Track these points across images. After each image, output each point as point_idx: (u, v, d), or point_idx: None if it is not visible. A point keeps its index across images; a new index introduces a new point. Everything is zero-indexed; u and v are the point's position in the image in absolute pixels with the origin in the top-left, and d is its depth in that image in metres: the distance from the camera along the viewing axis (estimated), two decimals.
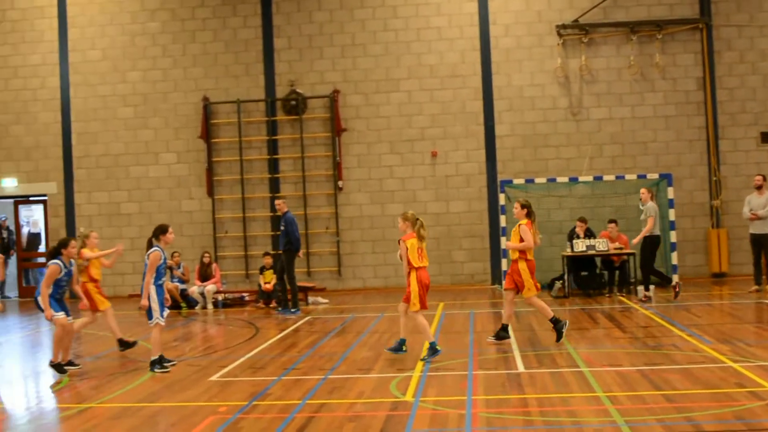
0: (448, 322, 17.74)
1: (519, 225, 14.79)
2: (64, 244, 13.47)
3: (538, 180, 23.87)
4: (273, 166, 26.13)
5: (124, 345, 15.27)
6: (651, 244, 20.33)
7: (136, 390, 11.97)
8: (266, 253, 23.56)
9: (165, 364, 13.45)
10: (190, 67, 26.54)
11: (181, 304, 22.43)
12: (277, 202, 21.60)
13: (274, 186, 26.06)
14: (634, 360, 12.72)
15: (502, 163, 25.33)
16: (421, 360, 13.07)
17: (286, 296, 20.80)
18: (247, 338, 16.59)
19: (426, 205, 25.30)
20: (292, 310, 20.57)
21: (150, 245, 13.57)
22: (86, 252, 15.27)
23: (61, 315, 13.19)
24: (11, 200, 28.69)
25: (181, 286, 22.82)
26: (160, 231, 13.70)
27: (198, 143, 26.33)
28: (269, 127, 26.15)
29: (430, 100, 25.63)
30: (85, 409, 10.87)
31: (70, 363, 13.59)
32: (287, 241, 20.55)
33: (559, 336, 14.42)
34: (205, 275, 23.11)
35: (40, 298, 13.21)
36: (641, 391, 10.53)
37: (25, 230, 29.24)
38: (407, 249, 13.30)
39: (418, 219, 13.46)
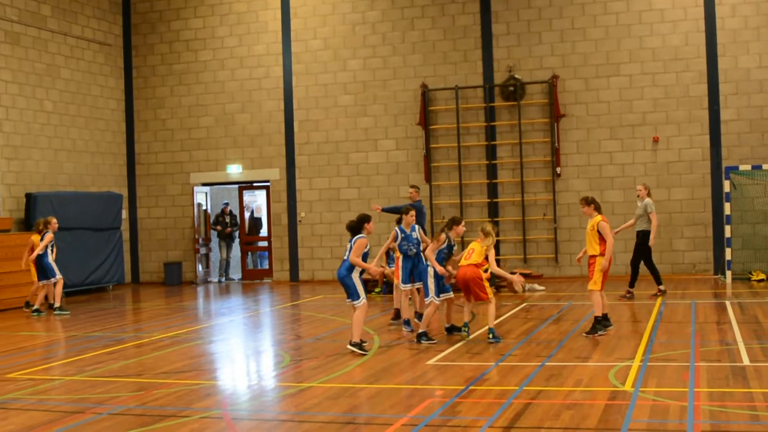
0: (669, 311, 17.26)
1: (597, 223, 14.38)
2: (366, 219, 13.80)
3: (766, 166, 22.91)
4: (490, 152, 26.06)
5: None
6: (645, 238, 19.72)
7: (356, 371, 12.16)
8: None
9: (431, 338, 14.47)
10: (409, 54, 26.76)
11: None
12: (410, 190, 21.51)
13: (492, 172, 25.99)
14: None
15: (727, 148, 24.42)
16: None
17: None
18: (463, 323, 16.55)
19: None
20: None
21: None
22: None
23: (364, 300, 13.51)
24: (236, 186, 29.72)
25: None
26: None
27: (416, 130, 26.54)
28: (487, 113, 26.10)
29: (651, 84, 24.96)
30: (306, 388, 11.10)
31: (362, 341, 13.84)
32: None
33: (592, 331, 14.33)
34: None
35: (354, 276, 13.47)
36: None
37: (246, 215, 30.23)
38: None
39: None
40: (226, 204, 29.47)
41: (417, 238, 16.05)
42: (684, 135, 24.68)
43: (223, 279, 29.20)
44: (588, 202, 14.63)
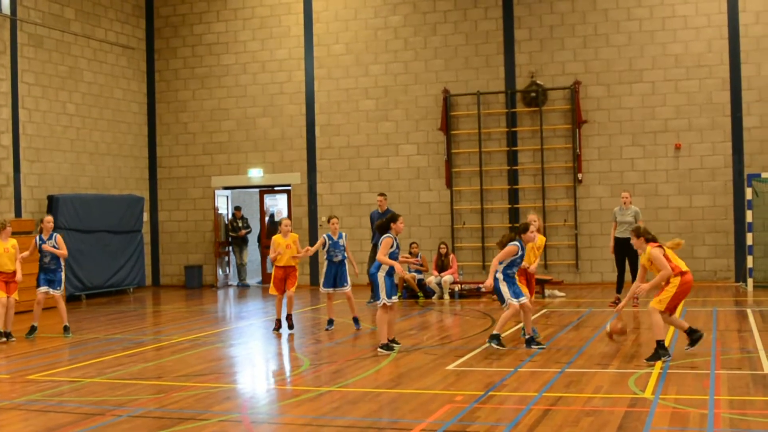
0: (689, 319, 17.09)
1: (649, 254, 12.86)
2: (394, 218, 14.22)
3: None
4: (512, 157, 26.01)
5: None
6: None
7: (375, 376, 12.16)
8: None
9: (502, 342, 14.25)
10: (431, 59, 26.75)
11: (418, 293, 22.64)
12: (378, 198, 21.85)
13: (513, 178, 25.95)
14: None
15: (750, 156, 24.27)
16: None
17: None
18: (483, 329, 16.57)
19: (668, 199, 24.63)
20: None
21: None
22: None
23: (384, 301, 14.02)
24: (257, 190, 29.76)
25: (418, 276, 23.03)
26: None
27: (437, 135, 26.52)
28: (509, 118, 26.05)
29: (674, 91, 24.85)
30: (325, 392, 11.11)
31: (394, 341, 14.50)
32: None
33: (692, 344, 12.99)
34: (442, 266, 23.23)
35: (379, 275, 14.05)
36: None
37: (266, 219, 30.22)
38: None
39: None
40: (238, 208, 29.31)
41: (343, 245, 16.90)
42: (706, 142, 24.57)
43: (239, 283, 29.01)
44: (637, 234, 13.20)
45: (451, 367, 12.58)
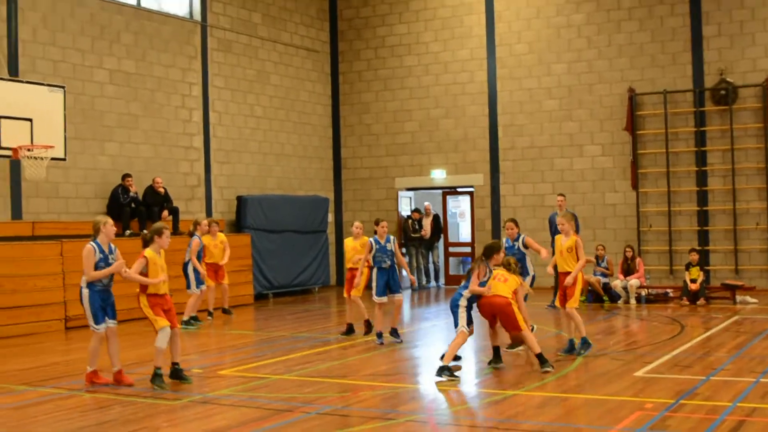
0: None
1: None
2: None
3: None
4: (700, 158, 25.26)
5: None
6: None
7: (560, 381, 11.98)
8: (693, 250, 22.85)
9: None
10: (616, 57, 26.25)
11: (604, 297, 22.26)
12: (558, 198, 21.85)
13: (701, 179, 25.20)
14: None
15: None
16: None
17: None
18: (671, 335, 16.14)
19: None
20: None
21: None
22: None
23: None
24: (440, 191, 29.81)
25: (604, 280, 22.64)
26: None
27: (623, 135, 26.00)
28: (697, 118, 25.31)
29: None
30: (510, 396, 11.01)
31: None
32: None
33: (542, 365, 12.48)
34: (628, 269, 22.73)
35: None
36: None
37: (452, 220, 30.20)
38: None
39: None
40: (417, 210, 29.06)
41: (391, 250, 16.03)
42: None
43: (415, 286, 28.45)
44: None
45: (639, 373, 12.29)
